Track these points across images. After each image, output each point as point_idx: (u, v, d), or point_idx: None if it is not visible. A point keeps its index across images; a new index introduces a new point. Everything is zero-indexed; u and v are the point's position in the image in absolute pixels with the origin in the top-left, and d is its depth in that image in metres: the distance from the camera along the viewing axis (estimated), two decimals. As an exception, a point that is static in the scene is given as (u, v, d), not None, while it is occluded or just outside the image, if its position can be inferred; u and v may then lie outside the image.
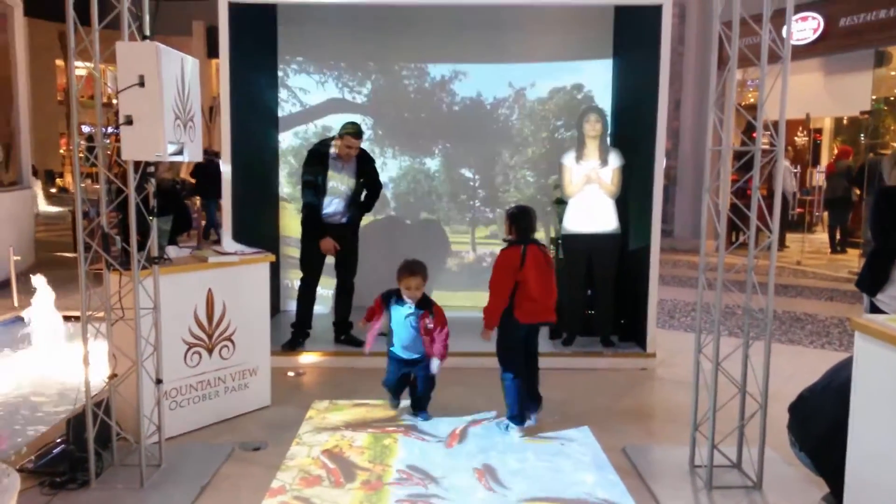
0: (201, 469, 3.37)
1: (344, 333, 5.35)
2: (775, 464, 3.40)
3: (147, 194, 3.28)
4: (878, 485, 2.47)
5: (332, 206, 5.18)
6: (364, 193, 5.34)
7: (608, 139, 5.43)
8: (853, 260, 10.54)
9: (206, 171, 10.55)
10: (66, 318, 5.66)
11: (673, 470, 3.43)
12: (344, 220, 5.24)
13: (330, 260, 5.31)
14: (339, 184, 5.17)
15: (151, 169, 3.26)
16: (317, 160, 5.15)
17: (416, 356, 4.03)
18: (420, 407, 4.14)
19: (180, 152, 3.17)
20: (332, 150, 5.15)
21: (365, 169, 5.27)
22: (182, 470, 3.36)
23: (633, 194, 5.38)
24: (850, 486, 2.61)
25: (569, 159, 5.31)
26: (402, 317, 3.99)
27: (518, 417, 3.94)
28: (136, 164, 3.17)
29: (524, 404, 3.97)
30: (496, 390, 4.06)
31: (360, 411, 4.21)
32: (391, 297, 4.03)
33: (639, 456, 3.60)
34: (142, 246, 3.24)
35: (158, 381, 3.38)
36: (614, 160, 5.22)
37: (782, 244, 11.94)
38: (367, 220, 5.83)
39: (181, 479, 3.26)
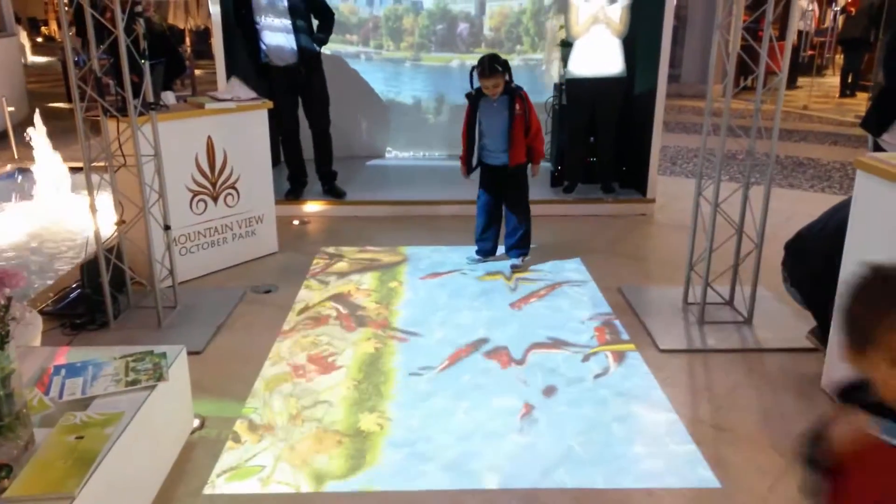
0: (216, 310, 3.51)
1: (327, 184, 5.22)
2: (767, 301, 3.53)
3: (137, 36, 3.17)
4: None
5: (271, 41, 4.73)
6: (316, 25, 4.89)
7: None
8: (861, 104, 10.33)
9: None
10: (69, 170, 5.64)
11: (667, 307, 3.57)
12: (293, 59, 4.78)
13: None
14: (273, 15, 4.67)
15: (139, 9, 3.13)
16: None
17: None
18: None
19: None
20: None
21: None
22: (197, 311, 3.50)
23: (640, 35, 5.17)
24: (837, 315, 2.73)
25: (576, -3, 5.05)
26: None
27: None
28: (123, 3, 3.03)
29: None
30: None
31: (365, 256, 4.32)
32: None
33: (634, 294, 3.73)
34: (137, 92, 3.18)
35: (166, 227, 3.44)
36: (623, -3, 4.97)
37: (793, 84, 11.67)
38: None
39: (197, 319, 3.41)
